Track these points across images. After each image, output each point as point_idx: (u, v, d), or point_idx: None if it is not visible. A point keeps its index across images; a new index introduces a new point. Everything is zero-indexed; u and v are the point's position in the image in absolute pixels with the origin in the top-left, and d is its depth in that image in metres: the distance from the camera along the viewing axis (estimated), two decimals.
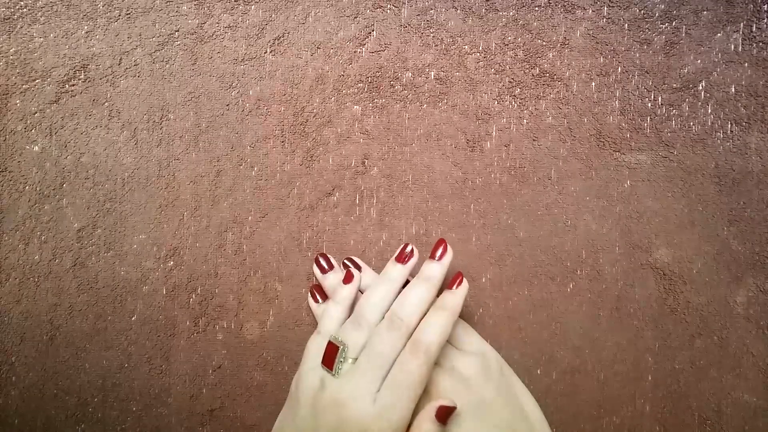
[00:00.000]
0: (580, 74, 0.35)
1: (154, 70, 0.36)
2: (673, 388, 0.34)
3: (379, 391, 0.28)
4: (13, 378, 0.36)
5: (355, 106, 0.36)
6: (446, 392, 0.30)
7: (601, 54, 0.35)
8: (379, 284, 0.32)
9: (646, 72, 0.35)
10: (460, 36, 0.36)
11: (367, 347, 0.29)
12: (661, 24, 0.35)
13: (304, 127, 0.36)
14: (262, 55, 0.36)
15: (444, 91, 0.36)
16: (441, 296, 0.31)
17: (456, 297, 0.31)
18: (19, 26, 0.36)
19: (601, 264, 0.35)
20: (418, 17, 0.36)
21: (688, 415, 0.34)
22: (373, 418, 0.27)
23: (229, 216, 0.36)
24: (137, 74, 0.36)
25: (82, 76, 0.36)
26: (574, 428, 0.35)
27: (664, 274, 0.34)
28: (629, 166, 0.35)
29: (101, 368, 0.36)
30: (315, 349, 0.31)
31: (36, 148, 0.36)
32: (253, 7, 0.36)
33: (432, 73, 0.36)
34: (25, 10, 0.37)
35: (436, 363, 0.31)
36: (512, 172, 0.35)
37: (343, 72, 0.36)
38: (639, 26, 0.35)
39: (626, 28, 0.35)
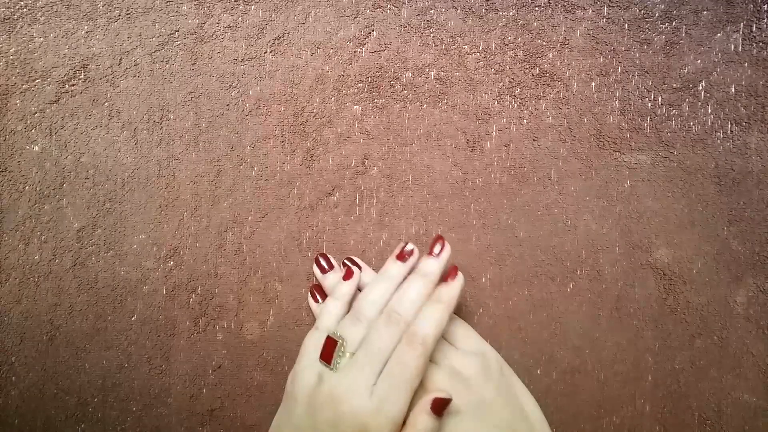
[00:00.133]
0: (580, 74, 0.35)
1: (154, 70, 0.36)
2: (673, 388, 0.34)
3: (375, 384, 0.28)
4: (13, 378, 0.36)
5: (355, 106, 0.36)
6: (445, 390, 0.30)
7: (601, 54, 0.35)
8: (378, 281, 0.32)
9: (646, 72, 0.35)
10: (460, 36, 0.36)
11: (364, 342, 0.30)
12: (661, 24, 0.35)
13: (304, 127, 0.36)
14: (262, 55, 0.36)
15: (444, 91, 0.36)
16: (436, 289, 0.31)
17: (451, 290, 0.31)
18: (19, 26, 0.36)
19: (601, 264, 0.35)
20: (418, 17, 0.36)
21: (688, 415, 0.34)
22: (370, 412, 0.27)
23: (229, 216, 0.36)
24: (137, 74, 0.36)
25: (82, 76, 0.36)
26: (574, 428, 0.35)
27: (664, 274, 0.34)
28: (629, 166, 0.35)
29: (101, 368, 0.36)
30: (312, 345, 0.31)
31: (36, 148, 0.36)
32: (253, 7, 0.36)
33: (432, 73, 0.36)
34: (25, 10, 0.37)
35: (436, 362, 0.31)
36: (512, 172, 0.35)
37: (343, 72, 0.36)
38: (639, 26, 0.35)
39: (626, 28, 0.35)
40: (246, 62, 0.36)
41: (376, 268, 0.36)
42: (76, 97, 0.36)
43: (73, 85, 0.36)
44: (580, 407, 0.35)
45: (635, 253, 0.35)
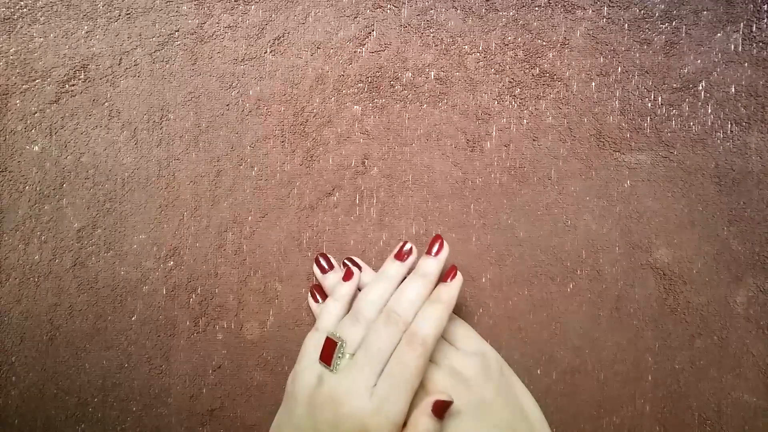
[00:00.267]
0: (580, 74, 0.35)
1: (154, 70, 0.36)
2: (673, 388, 0.34)
3: (376, 385, 0.28)
4: (13, 378, 0.36)
5: (355, 106, 0.36)
6: (446, 392, 0.30)
7: (601, 54, 0.35)
8: (377, 281, 0.32)
9: (646, 72, 0.35)
10: (460, 36, 0.36)
11: (364, 342, 0.30)
12: (661, 24, 0.35)
13: (304, 127, 0.36)
14: (262, 55, 0.36)
15: (444, 91, 0.36)
16: (436, 289, 0.31)
17: (450, 289, 0.31)
18: (19, 26, 0.36)
19: (601, 264, 0.35)
20: (418, 17, 0.36)
21: (688, 415, 0.34)
22: (370, 413, 0.27)
23: (229, 216, 0.36)
24: (137, 74, 0.36)
25: (82, 76, 0.36)
26: (574, 428, 0.35)
27: (664, 274, 0.34)
28: (629, 166, 0.35)
29: (101, 368, 0.36)
30: (312, 345, 0.31)
31: (36, 148, 0.36)
32: (253, 7, 0.36)
33: (432, 73, 0.36)
34: (25, 10, 0.37)
35: (436, 363, 0.31)
36: (512, 172, 0.35)
37: (343, 72, 0.36)
38: (639, 26, 0.35)
39: (626, 28, 0.35)
40: (246, 62, 0.36)
41: (376, 268, 0.36)
42: (76, 97, 0.36)
43: (73, 85, 0.36)
44: (580, 407, 0.35)
45: (635, 253, 0.35)
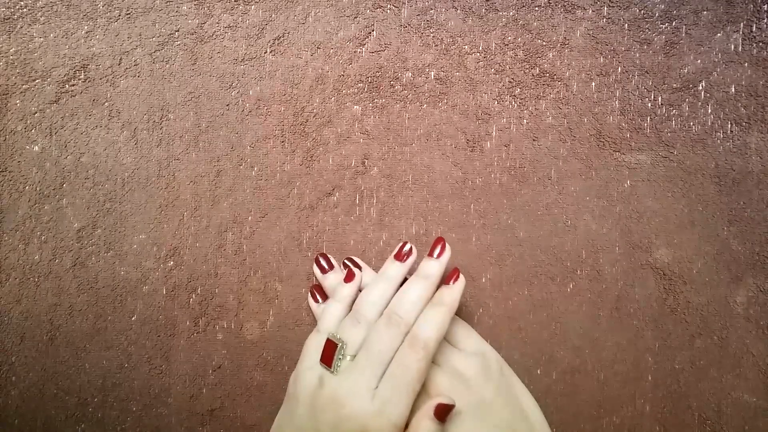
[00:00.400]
0: (580, 74, 0.35)
1: (154, 70, 0.36)
2: (673, 388, 0.34)
3: (377, 387, 0.28)
4: (13, 378, 0.36)
5: (355, 106, 0.36)
6: (446, 392, 0.30)
7: (601, 54, 0.35)
8: (378, 282, 0.32)
9: (646, 72, 0.35)
10: (460, 36, 0.36)
11: (365, 344, 0.29)
12: (661, 24, 0.35)
13: (304, 127, 0.36)
14: (262, 55, 0.36)
15: (444, 91, 0.36)
16: (438, 292, 0.31)
17: (453, 292, 0.31)
18: (19, 26, 0.36)
19: (601, 264, 0.35)
20: (418, 17, 0.36)
21: (688, 415, 0.34)
22: (372, 415, 0.27)
23: (229, 216, 0.36)
24: (137, 74, 0.36)
25: (82, 76, 0.36)
26: (574, 428, 0.35)
27: (664, 274, 0.34)
28: (629, 166, 0.35)
29: (101, 368, 0.36)
30: (313, 346, 0.31)
31: (36, 148, 0.36)
32: (253, 7, 0.36)
33: (432, 73, 0.36)
34: (25, 10, 0.37)
35: (436, 363, 0.31)
36: (512, 172, 0.35)
37: (343, 72, 0.36)
38: (639, 26, 0.35)
39: (626, 28, 0.35)
40: (246, 62, 0.36)
41: (376, 268, 0.36)
42: (76, 97, 0.36)
43: (73, 85, 0.36)
44: (580, 407, 0.35)
45: (635, 253, 0.35)
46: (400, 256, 0.33)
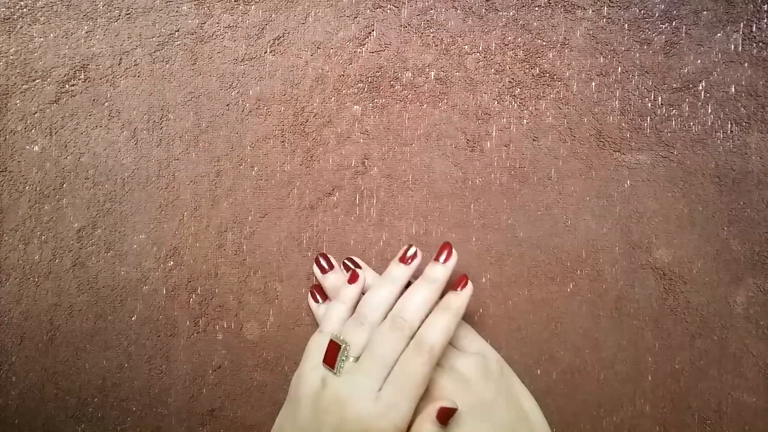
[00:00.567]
0: (580, 74, 0.35)
1: (154, 70, 0.36)
2: (673, 388, 0.34)
3: (380, 389, 0.28)
4: (13, 378, 0.36)
5: (355, 106, 0.36)
6: (446, 393, 0.30)
7: (601, 54, 0.35)
8: (382, 284, 0.32)
9: (646, 72, 0.35)
10: (460, 36, 0.36)
11: (369, 346, 0.29)
12: (661, 24, 0.35)
13: (304, 127, 0.36)
14: (262, 55, 0.36)
15: (444, 91, 0.36)
16: (445, 297, 0.31)
17: (460, 298, 0.31)
18: (19, 26, 0.36)
19: (601, 264, 0.35)
20: (418, 17, 0.36)
21: (688, 415, 0.34)
22: (374, 417, 0.27)
23: (229, 216, 0.36)
24: (137, 74, 0.36)
25: (82, 76, 0.36)
26: (574, 428, 0.35)
27: (664, 274, 0.34)
28: (629, 166, 0.35)
29: (101, 368, 0.36)
30: (316, 348, 0.31)
31: (36, 148, 0.36)
32: (253, 7, 0.36)
33: (432, 73, 0.36)
34: (25, 10, 0.37)
35: (437, 363, 0.31)
36: (512, 172, 0.35)
37: (343, 72, 0.36)
38: (639, 26, 0.35)
39: (626, 28, 0.35)
40: (246, 62, 0.36)
41: (377, 269, 0.36)
42: (76, 97, 0.36)
43: (73, 85, 0.36)
44: (580, 407, 0.35)
45: (635, 253, 0.35)
46: (404, 259, 0.33)
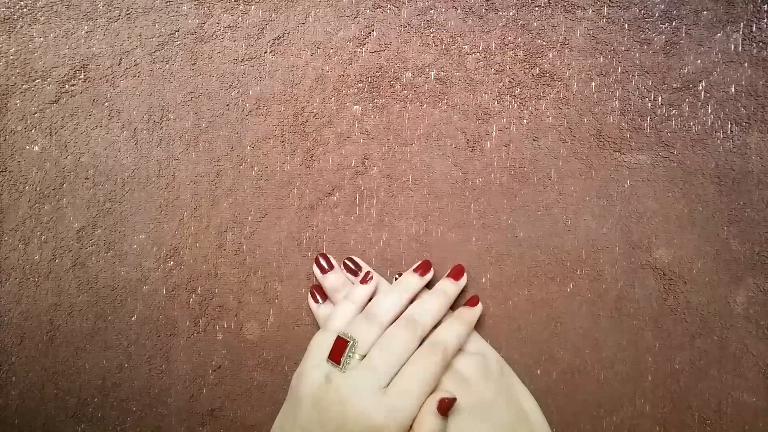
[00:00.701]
0: (580, 74, 0.35)
1: (154, 70, 0.36)
2: (673, 388, 0.34)
3: (387, 387, 0.28)
4: (13, 378, 0.36)
5: (355, 106, 0.36)
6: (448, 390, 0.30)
7: (601, 54, 0.35)
8: (395, 289, 0.33)
9: (646, 72, 0.35)
10: (460, 36, 0.36)
11: (380, 343, 0.30)
12: (661, 24, 0.35)
13: (304, 127, 0.36)
14: (262, 55, 0.36)
15: (444, 91, 0.36)
16: (458, 310, 0.33)
17: (473, 313, 0.33)
18: (19, 26, 0.36)
19: (601, 264, 0.35)
20: (418, 17, 0.36)
21: (688, 415, 0.34)
22: (380, 415, 0.27)
23: (229, 216, 0.36)
24: (137, 74, 0.36)
25: (82, 76, 0.36)
26: (574, 428, 0.35)
27: (664, 274, 0.34)
28: (629, 166, 0.35)
29: (101, 368, 0.36)
30: (320, 345, 0.31)
31: (36, 148, 0.36)
32: (253, 7, 0.36)
33: (432, 73, 0.36)
34: (25, 10, 0.37)
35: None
36: (512, 172, 0.35)
37: (343, 72, 0.36)
38: (639, 26, 0.35)
39: (626, 28, 0.35)
40: (246, 62, 0.36)
41: (377, 269, 0.36)
42: (76, 97, 0.36)
43: (73, 85, 0.36)
44: (580, 407, 0.35)
45: (635, 253, 0.35)
46: (419, 270, 0.34)
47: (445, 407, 0.28)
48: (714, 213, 0.34)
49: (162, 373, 0.36)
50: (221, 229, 0.36)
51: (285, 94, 0.36)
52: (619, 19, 0.35)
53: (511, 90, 0.35)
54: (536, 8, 0.35)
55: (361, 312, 0.33)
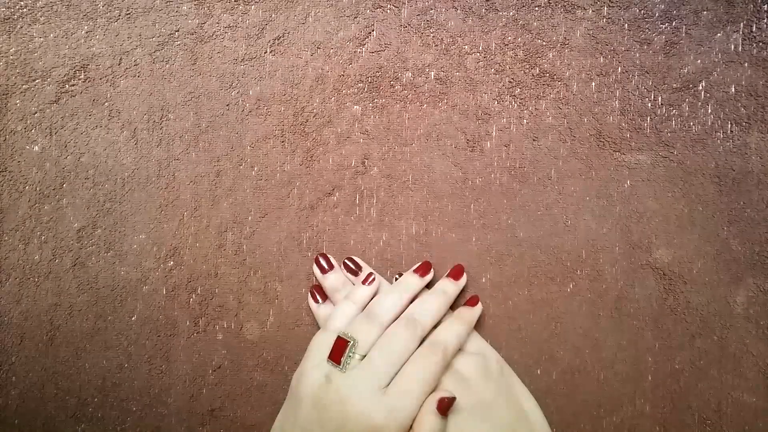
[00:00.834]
0: (580, 74, 0.35)
1: (154, 70, 0.36)
2: (673, 388, 0.34)
3: (387, 387, 0.28)
4: (13, 378, 0.36)
5: (355, 106, 0.36)
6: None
7: (601, 54, 0.35)
8: (395, 289, 0.33)
9: (646, 72, 0.35)
10: (460, 36, 0.36)
11: (380, 343, 0.30)
12: (661, 24, 0.35)
13: (304, 127, 0.36)
14: (262, 55, 0.36)
15: (444, 91, 0.36)
16: (458, 310, 0.33)
17: (473, 312, 0.33)
18: (19, 26, 0.36)
19: (601, 264, 0.35)
20: (418, 17, 0.36)
21: (688, 415, 0.34)
22: (380, 414, 0.27)
23: (229, 216, 0.36)
24: (137, 74, 0.36)
25: (82, 76, 0.36)
26: (574, 428, 0.35)
27: (664, 274, 0.34)
28: (629, 166, 0.35)
29: (101, 368, 0.36)
30: (320, 345, 0.31)
31: (36, 148, 0.36)
32: (253, 7, 0.36)
33: (432, 73, 0.36)
34: (25, 10, 0.37)
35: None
36: (512, 172, 0.35)
37: (343, 72, 0.36)
38: (639, 26, 0.35)
39: (626, 28, 0.35)
40: (246, 62, 0.36)
41: (376, 268, 0.36)
42: (76, 97, 0.36)
43: (73, 85, 0.36)
44: (580, 407, 0.35)
45: (635, 253, 0.35)
46: (419, 271, 0.34)
47: (445, 407, 0.28)
48: (714, 213, 0.34)
49: (162, 373, 0.36)
50: (221, 229, 0.36)
51: (285, 94, 0.36)
52: (619, 19, 0.35)
53: (511, 90, 0.35)
54: (536, 8, 0.35)
55: (361, 312, 0.33)
